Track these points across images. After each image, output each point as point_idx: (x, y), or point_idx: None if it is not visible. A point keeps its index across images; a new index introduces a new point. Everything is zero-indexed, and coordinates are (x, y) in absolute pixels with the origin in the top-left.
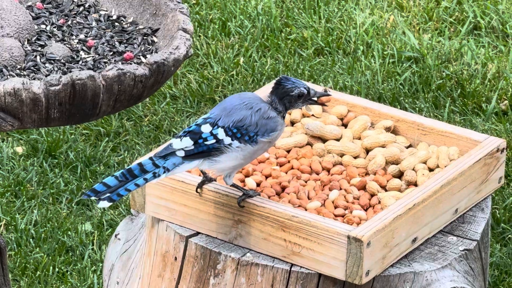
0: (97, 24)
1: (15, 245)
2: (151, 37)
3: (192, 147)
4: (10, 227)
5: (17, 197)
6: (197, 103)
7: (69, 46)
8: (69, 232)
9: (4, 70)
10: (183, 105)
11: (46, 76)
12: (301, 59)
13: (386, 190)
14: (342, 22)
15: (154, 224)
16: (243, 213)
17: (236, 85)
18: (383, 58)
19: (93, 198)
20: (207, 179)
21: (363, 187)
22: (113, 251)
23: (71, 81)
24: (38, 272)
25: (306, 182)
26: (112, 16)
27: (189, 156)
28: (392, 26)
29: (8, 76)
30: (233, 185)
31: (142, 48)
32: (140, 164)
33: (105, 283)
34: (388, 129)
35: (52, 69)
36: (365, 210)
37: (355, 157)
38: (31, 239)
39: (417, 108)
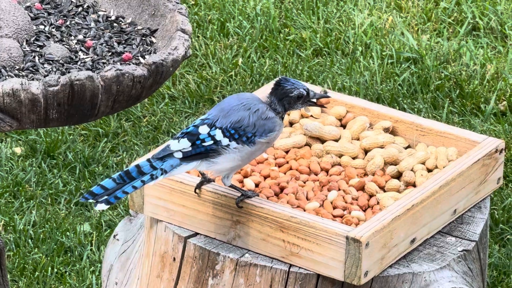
0: (96, 25)
1: (13, 246)
2: (150, 37)
3: (190, 149)
4: (8, 228)
5: (15, 197)
6: (196, 103)
7: (68, 46)
8: (68, 233)
9: (2, 70)
10: (182, 105)
11: (45, 76)
12: (300, 59)
13: (384, 191)
14: (340, 23)
15: (152, 225)
16: (241, 213)
17: (234, 85)
18: (381, 59)
19: (90, 201)
20: (205, 180)
21: (361, 188)
22: (112, 252)
23: (70, 82)
24: (37, 273)
25: (304, 182)
26: (110, 17)
27: (187, 157)
28: (391, 27)
29: (7, 77)
30: (232, 186)
31: (141, 49)
32: (137, 166)
33: (103, 284)
34: (386, 130)
35: (50, 69)
36: (364, 211)
37: (353, 158)
38: (29, 240)
39: (415, 109)
